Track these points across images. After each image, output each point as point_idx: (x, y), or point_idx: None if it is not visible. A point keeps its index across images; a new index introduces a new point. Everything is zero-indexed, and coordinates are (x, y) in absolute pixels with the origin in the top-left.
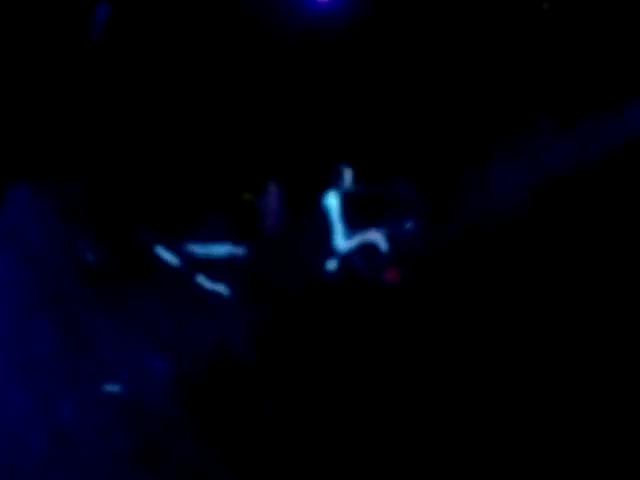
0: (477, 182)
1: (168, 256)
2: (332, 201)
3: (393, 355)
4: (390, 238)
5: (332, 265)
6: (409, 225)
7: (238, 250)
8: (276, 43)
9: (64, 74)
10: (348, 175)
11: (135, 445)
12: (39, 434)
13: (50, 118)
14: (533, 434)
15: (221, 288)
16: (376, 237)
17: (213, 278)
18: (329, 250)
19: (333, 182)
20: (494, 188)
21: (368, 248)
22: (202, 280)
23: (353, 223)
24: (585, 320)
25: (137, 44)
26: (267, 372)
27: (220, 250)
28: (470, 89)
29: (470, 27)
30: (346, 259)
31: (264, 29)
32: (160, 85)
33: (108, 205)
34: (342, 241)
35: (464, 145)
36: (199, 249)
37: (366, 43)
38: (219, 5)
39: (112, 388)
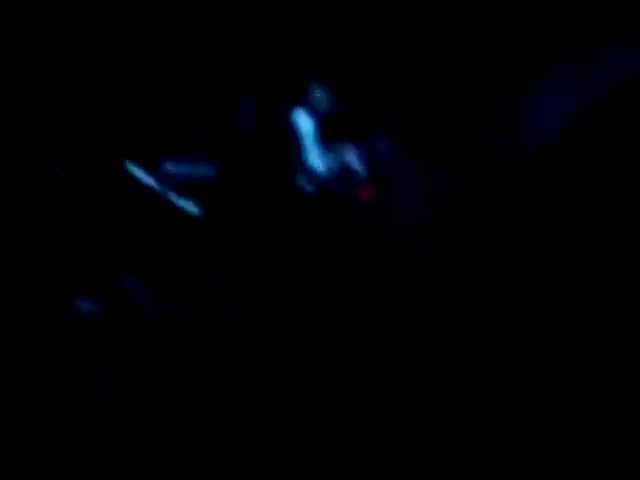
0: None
1: (141, 174)
2: (307, 120)
3: (368, 279)
4: (365, 157)
5: (307, 184)
6: (385, 144)
7: (211, 168)
8: None
9: None
10: (321, 93)
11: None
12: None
13: None
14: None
15: (194, 207)
16: (351, 156)
17: (186, 196)
18: (304, 169)
19: (306, 99)
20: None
21: (343, 167)
22: (174, 198)
23: (328, 142)
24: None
25: None
26: (241, 293)
27: (193, 168)
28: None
29: None
30: (321, 178)
31: None
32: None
33: (82, 123)
34: (317, 160)
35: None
36: (171, 167)
37: None
38: None
39: (84, 306)
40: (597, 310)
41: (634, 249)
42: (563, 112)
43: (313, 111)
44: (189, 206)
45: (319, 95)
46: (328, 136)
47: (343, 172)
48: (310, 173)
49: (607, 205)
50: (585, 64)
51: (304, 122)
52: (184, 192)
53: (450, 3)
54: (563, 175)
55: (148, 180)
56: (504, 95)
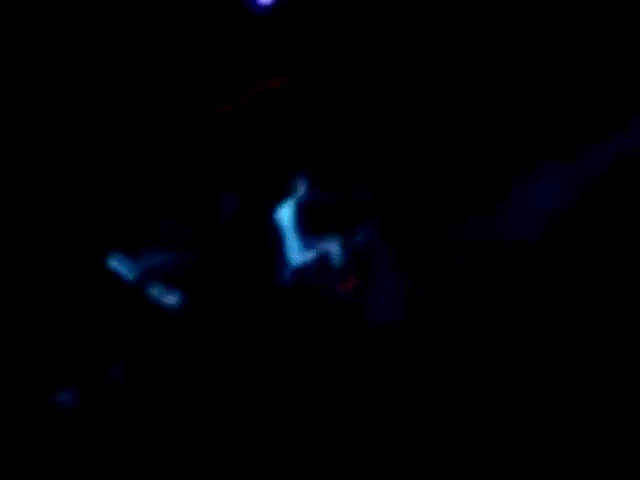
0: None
1: (122, 267)
2: (286, 212)
3: (348, 365)
4: (345, 248)
5: (286, 277)
6: (363, 235)
7: (192, 260)
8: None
9: None
10: (303, 185)
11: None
12: None
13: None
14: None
15: (175, 298)
16: (331, 247)
17: (167, 288)
18: (283, 261)
19: (288, 193)
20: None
21: (323, 258)
22: (155, 290)
23: (308, 233)
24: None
25: None
26: (222, 384)
27: (173, 260)
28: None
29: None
30: (300, 270)
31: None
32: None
33: (60, 213)
34: (296, 252)
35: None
36: (153, 259)
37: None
38: None
39: (65, 397)
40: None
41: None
42: (552, 202)
43: (294, 203)
44: (170, 297)
45: (301, 188)
46: (309, 227)
47: (323, 263)
48: (289, 264)
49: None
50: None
51: (285, 214)
52: (165, 283)
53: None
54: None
55: (129, 272)
56: (496, 184)
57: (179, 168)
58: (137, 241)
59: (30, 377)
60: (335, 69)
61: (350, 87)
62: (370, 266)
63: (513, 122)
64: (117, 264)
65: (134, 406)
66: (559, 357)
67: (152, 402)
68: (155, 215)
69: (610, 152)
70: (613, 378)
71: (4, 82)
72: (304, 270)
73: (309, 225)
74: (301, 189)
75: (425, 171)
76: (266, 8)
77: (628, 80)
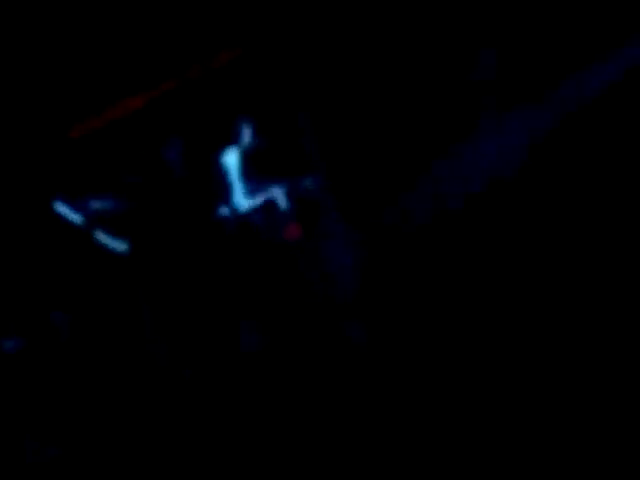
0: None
1: (68, 211)
2: (232, 158)
3: (293, 314)
4: (290, 194)
5: (232, 222)
6: (309, 181)
7: (138, 206)
8: None
9: None
10: (248, 131)
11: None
12: None
13: None
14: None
15: (119, 243)
16: (276, 193)
17: (112, 234)
18: (229, 207)
19: (233, 139)
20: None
21: (268, 205)
22: (101, 235)
23: (253, 179)
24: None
25: None
26: (166, 330)
27: (119, 205)
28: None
29: None
30: (246, 216)
31: None
32: None
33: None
34: (242, 198)
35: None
36: (99, 204)
37: None
38: None
39: (9, 344)
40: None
41: None
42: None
43: (239, 149)
44: (115, 242)
45: (245, 133)
46: (254, 174)
47: (268, 208)
48: (235, 209)
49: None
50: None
51: (230, 160)
52: (110, 228)
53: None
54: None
55: (74, 217)
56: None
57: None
58: (83, 186)
59: None
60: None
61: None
62: (316, 216)
63: (474, 57)
64: (64, 209)
65: (79, 352)
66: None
67: (96, 348)
68: (101, 160)
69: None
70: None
71: None
72: (249, 216)
73: (254, 171)
74: (246, 135)
75: (378, 115)
76: None
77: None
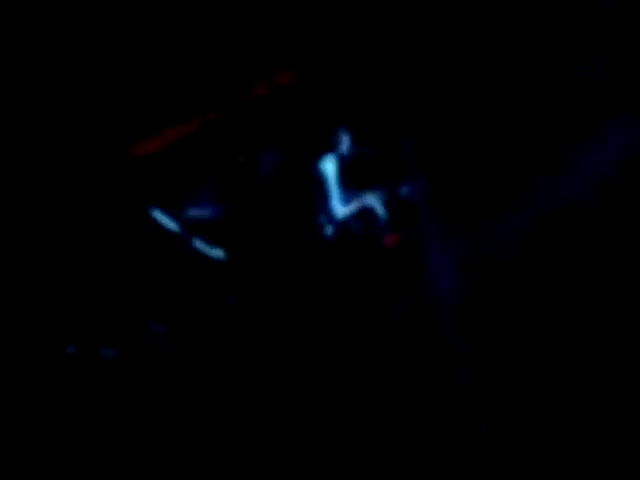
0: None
1: (165, 220)
2: (329, 166)
3: (388, 319)
4: (387, 202)
5: (329, 230)
6: (407, 189)
7: (233, 213)
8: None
9: None
10: (346, 139)
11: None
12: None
13: None
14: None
15: (218, 252)
16: (373, 201)
17: (209, 242)
18: (326, 215)
19: (330, 146)
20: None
21: (365, 212)
22: (199, 244)
23: (350, 187)
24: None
25: None
26: (264, 335)
27: (217, 213)
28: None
29: None
30: (343, 224)
31: None
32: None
33: (102, 168)
34: (339, 206)
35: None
36: (196, 212)
37: None
38: None
39: (109, 353)
40: None
41: None
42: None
43: (337, 156)
44: (212, 250)
45: (344, 140)
46: (351, 181)
47: (366, 217)
48: (332, 218)
49: None
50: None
51: (328, 167)
52: (207, 236)
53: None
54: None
55: (171, 225)
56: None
57: (221, 124)
58: (179, 194)
59: (72, 332)
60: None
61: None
62: (414, 224)
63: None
64: (160, 216)
65: (176, 360)
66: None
67: (194, 356)
68: (197, 169)
69: None
70: None
71: None
72: (347, 224)
73: (352, 179)
74: (344, 143)
75: (476, 125)
76: None
77: None
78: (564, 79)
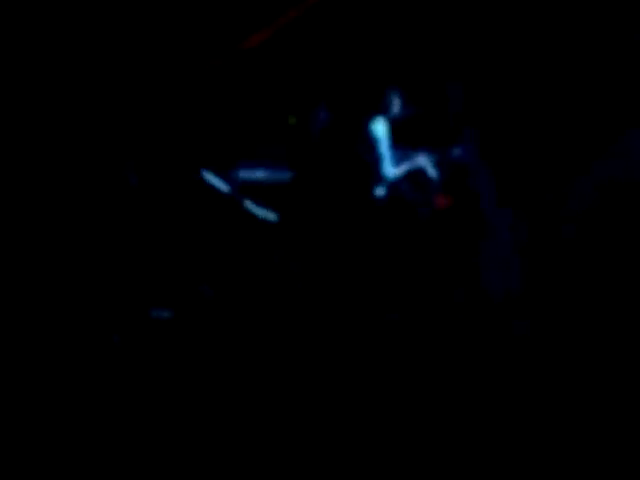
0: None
1: (217, 181)
2: (380, 127)
3: (444, 277)
4: (439, 164)
5: (380, 191)
6: (459, 150)
7: (286, 175)
8: None
9: None
10: (396, 100)
11: (182, 370)
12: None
13: None
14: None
15: (269, 214)
16: (425, 162)
17: (261, 203)
18: (377, 176)
19: (381, 107)
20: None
21: (416, 174)
22: (250, 205)
23: (401, 149)
24: None
25: None
26: (314, 298)
27: (268, 175)
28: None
29: None
30: (394, 185)
31: None
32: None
33: (154, 131)
34: (390, 167)
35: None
36: (247, 174)
37: None
38: None
39: (162, 314)
40: None
41: None
42: None
43: (388, 118)
44: (265, 212)
45: (395, 102)
46: (403, 142)
47: (417, 178)
48: (384, 179)
49: None
50: None
51: (379, 129)
52: (259, 198)
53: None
54: None
55: (223, 187)
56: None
57: (271, 85)
58: (231, 156)
59: (125, 295)
60: None
61: None
62: (467, 187)
63: None
64: (211, 178)
65: (226, 323)
66: None
67: (244, 318)
68: (248, 132)
69: None
70: None
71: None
72: (399, 185)
73: (403, 141)
74: (395, 104)
75: (541, 83)
76: None
77: None
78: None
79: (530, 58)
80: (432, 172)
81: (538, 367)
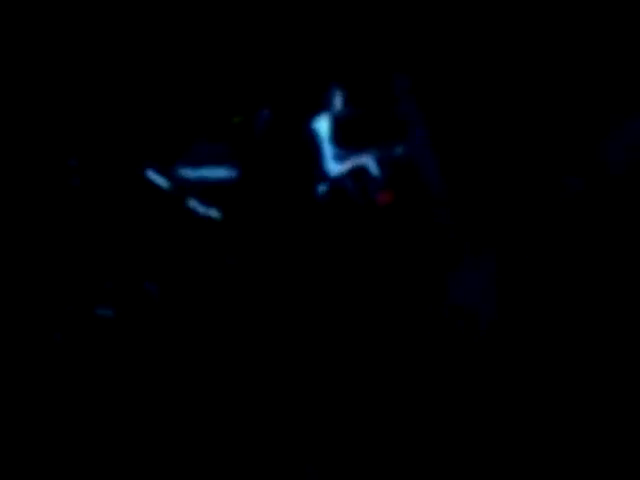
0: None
1: (160, 180)
2: (322, 124)
3: (384, 279)
4: (381, 161)
5: (323, 188)
6: (400, 149)
7: (229, 173)
8: None
9: None
10: (339, 98)
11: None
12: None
13: None
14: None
15: (212, 211)
16: (367, 160)
17: (204, 201)
18: (320, 173)
19: (324, 105)
20: None
21: (359, 171)
22: (193, 203)
23: (344, 146)
24: None
25: None
26: (258, 294)
27: (211, 173)
28: None
29: None
30: (337, 182)
31: None
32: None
33: (96, 130)
34: (332, 164)
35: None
36: (190, 172)
37: None
38: None
39: (105, 312)
40: None
41: None
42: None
43: (331, 115)
44: (207, 210)
45: (337, 100)
46: (345, 140)
47: (360, 175)
48: (326, 176)
49: None
50: None
51: (321, 126)
52: (201, 196)
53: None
54: None
55: (166, 185)
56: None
57: (213, 81)
58: (173, 155)
59: (68, 292)
60: None
61: None
62: (408, 183)
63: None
64: (154, 176)
65: (172, 319)
66: None
67: (189, 315)
68: (192, 129)
69: None
70: None
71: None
72: (341, 182)
73: (345, 138)
74: (338, 102)
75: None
76: None
77: None
78: None
79: (474, 49)
80: (375, 169)
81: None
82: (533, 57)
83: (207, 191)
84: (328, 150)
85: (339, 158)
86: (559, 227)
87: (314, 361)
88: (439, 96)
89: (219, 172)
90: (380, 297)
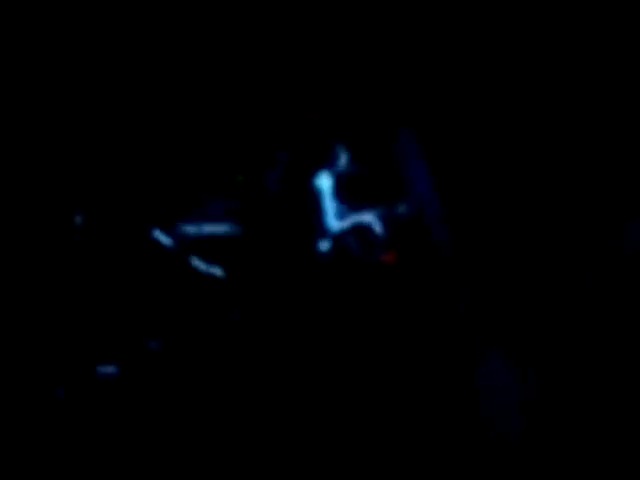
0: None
1: (163, 238)
2: (325, 182)
3: (389, 336)
4: (384, 220)
5: (325, 245)
6: (403, 207)
7: (231, 231)
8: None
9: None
10: (343, 156)
11: (130, 426)
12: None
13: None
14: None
15: (215, 269)
16: (369, 218)
17: (207, 259)
18: (322, 230)
19: (327, 163)
20: None
21: (361, 229)
22: (196, 261)
23: (346, 204)
24: None
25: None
26: (263, 351)
27: (214, 231)
28: None
29: None
30: (339, 239)
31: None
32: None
33: (100, 187)
34: (335, 222)
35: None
36: (193, 230)
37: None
38: None
39: (107, 370)
40: None
41: None
42: None
43: (334, 172)
44: (210, 268)
45: (341, 157)
46: (349, 197)
47: (362, 234)
48: (328, 233)
49: None
50: None
51: (324, 183)
52: (205, 254)
53: None
54: None
55: (169, 243)
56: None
57: (218, 141)
58: (177, 212)
59: (70, 350)
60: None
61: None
62: (409, 240)
63: None
64: (158, 234)
65: (176, 377)
66: None
67: (193, 372)
68: (195, 187)
69: None
70: None
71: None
72: (344, 239)
73: (349, 195)
74: (341, 159)
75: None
76: None
77: None
78: None
79: (482, 107)
80: (378, 227)
81: None
82: (550, 117)
83: (209, 248)
84: (330, 207)
85: (341, 215)
86: (580, 318)
87: (313, 426)
88: (448, 153)
89: (222, 229)
90: (385, 367)
